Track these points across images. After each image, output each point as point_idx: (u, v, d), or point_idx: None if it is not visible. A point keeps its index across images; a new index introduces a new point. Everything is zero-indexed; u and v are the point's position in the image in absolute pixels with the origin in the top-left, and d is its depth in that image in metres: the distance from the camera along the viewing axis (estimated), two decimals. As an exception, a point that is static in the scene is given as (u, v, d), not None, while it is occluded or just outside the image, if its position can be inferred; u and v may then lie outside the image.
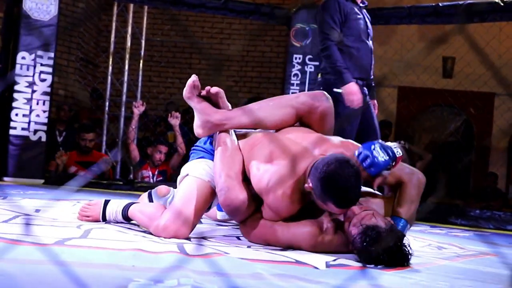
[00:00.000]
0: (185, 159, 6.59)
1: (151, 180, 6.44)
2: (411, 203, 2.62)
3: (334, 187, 2.38)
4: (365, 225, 2.38)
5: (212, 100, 2.90)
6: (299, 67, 6.12)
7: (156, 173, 6.53)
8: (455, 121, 9.74)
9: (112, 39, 7.57)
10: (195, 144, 3.06)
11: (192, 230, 2.69)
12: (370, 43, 4.49)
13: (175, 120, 6.41)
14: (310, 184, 2.46)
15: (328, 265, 2.29)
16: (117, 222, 2.95)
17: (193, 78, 2.88)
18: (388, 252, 2.31)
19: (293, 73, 6.14)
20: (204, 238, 2.76)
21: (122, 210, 2.93)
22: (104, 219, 2.94)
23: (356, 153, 2.54)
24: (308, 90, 6.09)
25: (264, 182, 2.58)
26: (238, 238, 2.90)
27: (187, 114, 7.52)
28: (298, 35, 6.15)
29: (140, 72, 7.74)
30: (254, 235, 2.68)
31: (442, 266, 2.52)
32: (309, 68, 6.10)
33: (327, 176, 2.38)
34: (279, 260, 2.30)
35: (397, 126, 9.39)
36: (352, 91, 4.18)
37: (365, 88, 4.41)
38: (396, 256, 2.33)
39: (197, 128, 2.92)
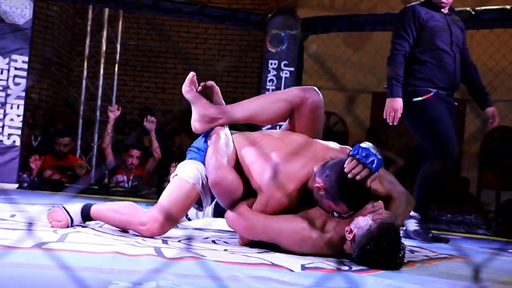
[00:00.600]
0: (161, 163, 6.64)
1: (126, 185, 6.44)
2: (396, 218, 2.67)
3: (352, 189, 2.49)
4: (380, 220, 2.43)
5: (209, 96, 3.02)
6: (275, 72, 6.17)
7: (131, 178, 6.53)
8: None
9: (87, 43, 7.56)
10: (191, 145, 3.10)
11: (170, 228, 2.81)
12: (453, 50, 4.19)
13: (150, 125, 6.41)
14: (322, 184, 2.54)
15: (303, 268, 2.33)
16: (80, 224, 2.97)
17: (192, 73, 3.02)
18: (390, 252, 2.38)
19: (268, 79, 6.18)
20: (181, 241, 2.79)
21: (81, 211, 2.94)
22: (72, 222, 2.94)
23: (354, 151, 2.56)
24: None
25: (266, 176, 2.64)
26: (214, 242, 2.93)
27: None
28: (273, 41, 6.20)
29: (115, 76, 7.74)
30: (240, 225, 2.71)
31: (413, 269, 2.57)
32: (285, 74, 6.15)
33: (348, 179, 2.47)
34: (255, 263, 2.34)
35: (370, 132, 9.49)
36: (394, 107, 3.96)
37: (450, 98, 4.19)
38: (393, 258, 2.41)
39: (194, 122, 2.99)
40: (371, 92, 9.56)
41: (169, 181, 6.40)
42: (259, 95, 3.02)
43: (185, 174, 2.90)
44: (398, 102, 3.96)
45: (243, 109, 2.95)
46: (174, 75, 9.97)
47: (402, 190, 2.79)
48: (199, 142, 3.04)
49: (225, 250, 2.66)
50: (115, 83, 7.71)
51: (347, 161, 2.52)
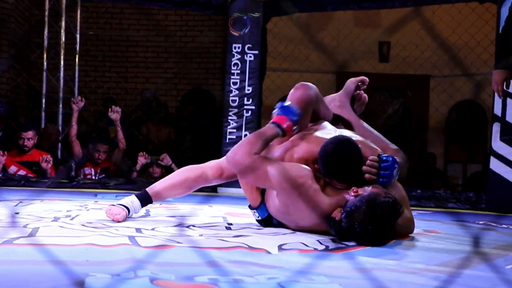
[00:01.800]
0: (127, 153, 6.56)
1: (94, 177, 6.35)
2: None
3: (333, 164, 2.60)
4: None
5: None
6: (239, 56, 6.11)
7: (98, 171, 6.43)
8: (393, 104, 9.92)
9: (46, 34, 7.40)
10: None
11: (221, 176, 3.12)
12: None
13: (115, 115, 6.31)
14: (316, 165, 2.67)
15: (280, 249, 2.31)
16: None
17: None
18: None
19: (233, 63, 6.12)
20: (154, 229, 2.74)
21: (137, 197, 3.05)
22: (129, 211, 3.02)
23: (384, 158, 2.62)
24: (248, 79, 6.10)
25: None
26: (188, 227, 2.90)
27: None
28: (236, 24, 6.14)
29: (77, 68, 7.60)
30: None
31: (389, 245, 2.57)
32: (249, 57, 6.10)
33: (327, 155, 2.61)
34: (231, 246, 2.31)
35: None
36: (494, 79, 3.90)
37: None
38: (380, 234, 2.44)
39: (338, 95, 3.28)
40: (335, 72, 9.57)
41: (137, 171, 6.33)
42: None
43: None
44: (495, 74, 3.91)
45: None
46: (136, 64, 9.84)
47: (396, 147, 2.95)
48: None
49: (200, 235, 2.63)
50: (77, 74, 7.57)
51: (371, 159, 2.58)
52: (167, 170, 6.35)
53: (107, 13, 9.52)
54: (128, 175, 6.21)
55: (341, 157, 2.60)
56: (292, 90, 2.94)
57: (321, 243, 2.49)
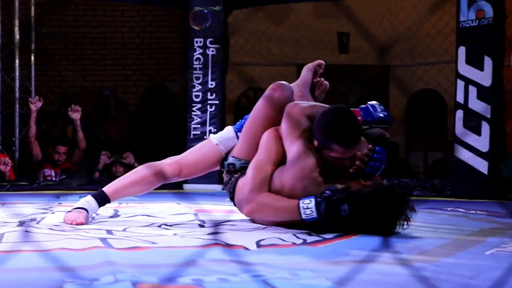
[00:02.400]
0: (87, 153, 6.43)
1: (54, 178, 6.20)
2: None
3: (335, 125, 2.55)
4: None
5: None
6: (201, 50, 6.04)
7: (58, 172, 6.29)
8: (354, 95, 9.96)
9: (-1, 33, 7.20)
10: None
11: (179, 173, 3.02)
12: None
13: (75, 114, 6.18)
14: (316, 142, 2.60)
15: (258, 245, 2.26)
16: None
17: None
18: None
19: (195, 57, 6.05)
20: (126, 230, 2.67)
21: (94, 198, 2.96)
22: (88, 212, 2.93)
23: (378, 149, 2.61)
24: (211, 74, 6.03)
25: None
26: (160, 226, 2.83)
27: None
28: (197, 19, 6.06)
29: (33, 67, 7.42)
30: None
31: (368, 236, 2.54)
32: (211, 51, 6.03)
33: (327, 118, 2.58)
34: (209, 244, 2.25)
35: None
36: None
37: None
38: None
39: (297, 84, 3.18)
40: (296, 64, 9.55)
41: (99, 171, 6.22)
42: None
43: (214, 136, 3.06)
44: None
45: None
46: (94, 61, 9.66)
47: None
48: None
49: (174, 234, 2.57)
50: (33, 74, 7.39)
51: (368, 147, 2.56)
52: (131, 169, 6.25)
53: (62, 10, 9.32)
54: (90, 175, 6.09)
55: (342, 117, 2.58)
56: (268, 92, 2.86)
57: (297, 237, 2.46)
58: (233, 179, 2.90)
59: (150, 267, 1.79)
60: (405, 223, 2.47)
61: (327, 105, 2.75)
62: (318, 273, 1.72)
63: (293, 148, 2.60)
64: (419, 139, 10.22)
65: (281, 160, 2.69)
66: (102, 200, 3.00)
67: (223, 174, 3.00)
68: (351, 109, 2.72)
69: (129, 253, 2.07)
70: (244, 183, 2.73)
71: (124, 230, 2.68)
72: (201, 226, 2.88)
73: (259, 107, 2.91)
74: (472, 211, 3.78)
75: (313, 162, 2.58)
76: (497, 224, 3.04)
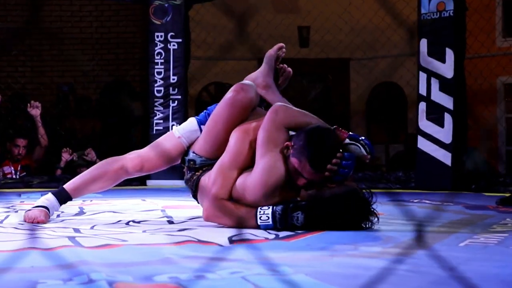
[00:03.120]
0: (49, 150, 6.30)
1: (14, 176, 6.06)
2: None
3: (321, 144, 2.46)
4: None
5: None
6: (162, 45, 5.96)
7: (19, 169, 6.14)
8: (316, 88, 9.98)
9: (-46, 29, 7.02)
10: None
11: (141, 169, 2.94)
12: None
13: (35, 110, 6.04)
14: (291, 143, 2.53)
15: (231, 241, 2.23)
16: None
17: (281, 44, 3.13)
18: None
19: (156, 52, 5.96)
20: (94, 228, 2.61)
21: (54, 196, 2.89)
22: (49, 210, 2.85)
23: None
24: (173, 68, 5.96)
25: None
26: (128, 224, 2.78)
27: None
28: (157, 13, 5.98)
29: (-10, 63, 7.25)
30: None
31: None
32: (172, 46, 5.96)
33: (321, 134, 2.50)
34: (180, 241, 2.21)
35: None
36: None
37: None
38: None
39: (260, 73, 3.06)
40: (257, 58, 9.52)
41: (61, 169, 6.09)
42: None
43: (177, 128, 2.99)
44: None
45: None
46: (51, 57, 9.48)
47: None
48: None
49: (144, 231, 2.52)
50: (-10, 70, 7.22)
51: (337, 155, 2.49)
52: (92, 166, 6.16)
53: (18, 5, 9.12)
54: (52, 173, 5.97)
55: (324, 141, 2.49)
56: (231, 94, 2.78)
57: (269, 232, 2.43)
58: (194, 177, 2.83)
59: (123, 266, 1.75)
60: (368, 224, 2.46)
61: (313, 117, 2.69)
62: (296, 268, 1.69)
63: (263, 160, 2.52)
64: (380, 132, 10.31)
65: (248, 163, 2.61)
66: (63, 197, 2.92)
67: (184, 169, 2.94)
68: (340, 129, 2.66)
69: (100, 251, 2.01)
70: (206, 185, 2.67)
71: (91, 228, 2.62)
72: (170, 222, 2.84)
73: (222, 109, 2.81)
74: (437, 202, 3.81)
75: (278, 178, 2.51)
76: (466, 215, 3.06)
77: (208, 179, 2.67)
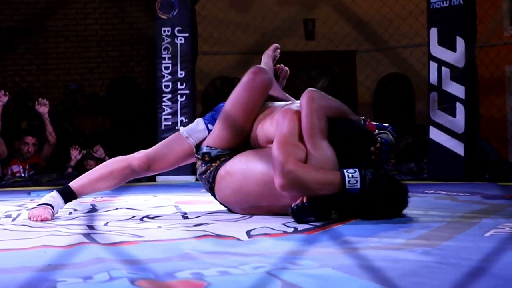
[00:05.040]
0: (58, 148, 6.26)
1: (23, 174, 6.03)
2: None
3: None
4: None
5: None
6: (169, 40, 5.90)
7: (27, 167, 6.11)
8: (322, 81, 9.91)
9: (-41, 28, 6.98)
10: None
11: (148, 169, 2.92)
12: None
13: (43, 108, 6.00)
14: None
15: (250, 235, 2.18)
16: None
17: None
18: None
19: (163, 47, 5.91)
20: (107, 224, 2.57)
21: (59, 194, 2.85)
22: (53, 208, 2.81)
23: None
24: (180, 63, 5.91)
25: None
26: (142, 220, 2.73)
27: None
28: (164, 7, 5.92)
29: (-4, 61, 7.21)
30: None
31: (358, 221, 2.48)
32: (180, 40, 5.90)
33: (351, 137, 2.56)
34: (198, 236, 2.17)
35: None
36: None
37: None
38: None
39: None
40: (260, 52, 9.45)
41: (72, 167, 6.04)
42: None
43: (185, 128, 2.95)
44: None
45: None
46: (57, 55, 9.45)
47: None
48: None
49: (159, 227, 2.48)
50: (-4, 68, 7.18)
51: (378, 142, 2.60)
52: (101, 162, 6.12)
53: (23, 3, 9.08)
54: (62, 170, 5.94)
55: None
56: (249, 76, 2.76)
57: (287, 225, 2.39)
58: (212, 168, 2.80)
59: (143, 263, 1.70)
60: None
61: (338, 101, 2.69)
62: (320, 262, 1.64)
63: (318, 152, 2.49)
64: (388, 123, 10.24)
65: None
66: (68, 195, 2.89)
67: (197, 165, 2.89)
68: (369, 121, 2.76)
69: (117, 248, 1.97)
70: (274, 157, 2.49)
71: (105, 224, 2.58)
72: (185, 217, 2.79)
73: (240, 93, 2.79)
74: (453, 193, 3.75)
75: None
76: (485, 205, 3.00)
77: (273, 154, 2.50)
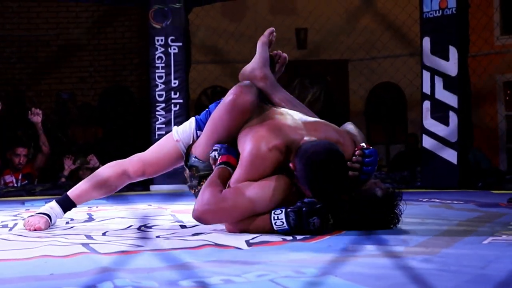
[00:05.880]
0: (51, 157, 6.24)
1: (16, 184, 6.00)
2: None
3: (316, 179, 2.31)
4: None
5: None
6: (162, 49, 5.92)
7: (20, 177, 6.09)
8: (315, 91, 9.94)
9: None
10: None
11: (143, 173, 2.88)
12: None
13: (36, 117, 5.99)
14: (295, 164, 2.38)
15: (249, 244, 2.19)
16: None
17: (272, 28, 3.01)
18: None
19: (157, 56, 5.93)
20: (105, 234, 2.57)
21: (57, 203, 2.85)
22: (50, 218, 2.81)
23: (368, 152, 2.45)
24: (174, 72, 5.92)
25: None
26: (139, 229, 2.74)
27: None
28: (157, 17, 5.94)
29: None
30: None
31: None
32: (173, 50, 5.92)
33: (313, 166, 2.31)
34: (198, 246, 2.17)
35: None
36: None
37: None
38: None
39: (256, 64, 2.88)
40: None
41: (65, 177, 6.02)
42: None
43: (175, 130, 2.89)
44: None
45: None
46: (49, 64, 9.43)
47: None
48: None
49: (157, 236, 2.48)
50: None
51: (357, 156, 2.42)
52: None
53: (14, 12, 9.07)
54: (55, 180, 5.92)
55: (329, 181, 2.33)
56: (231, 97, 2.63)
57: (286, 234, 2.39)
58: (199, 187, 2.69)
59: (145, 271, 1.70)
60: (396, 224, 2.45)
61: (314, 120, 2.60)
62: (322, 269, 1.65)
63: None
64: (380, 132, 10.30)
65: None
66: (67, 205, 2.88)
67: (186, 174, 2.82)
68: None
69: (118, 257, 1.97)
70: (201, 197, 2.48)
71: (103, 234, 2.58)
72: (183, 227, 2.79)
73: (222, 113, 2.67)
74: (448, 201, 3.77)
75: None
76: (480, 213, 3.02)
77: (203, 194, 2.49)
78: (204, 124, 2.84)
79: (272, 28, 2.99)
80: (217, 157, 2.59)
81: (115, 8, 9.29)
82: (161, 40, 5.94)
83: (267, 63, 2.92)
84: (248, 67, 2.91)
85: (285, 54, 3.05)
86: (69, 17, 9.60)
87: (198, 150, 2.77)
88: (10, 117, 7.35)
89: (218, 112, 2.70)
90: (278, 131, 2.50)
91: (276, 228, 2.37)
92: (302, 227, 2.33)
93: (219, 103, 2.80)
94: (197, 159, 2.74)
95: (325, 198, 2.35)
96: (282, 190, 2.41)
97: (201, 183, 2.69)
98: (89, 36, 9.62)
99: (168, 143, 2.91)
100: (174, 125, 5.86)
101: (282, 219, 2.36)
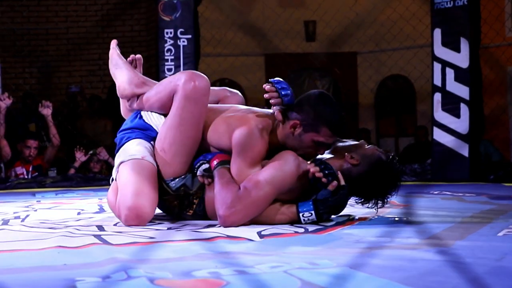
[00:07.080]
0: (61, 150, 6.25)
1: (26, 176, 6.02)
2: None
3: (330, 107, 2.45)
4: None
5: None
6: (172, 42, 5.90)
7: (30, 169, 6.10)
8: (323, 83, 9.92)
9: (-39, 31, 6.97)
10: (120, 129, 2.82)
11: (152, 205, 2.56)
12: None
13: (46, 110, 6.00)
14: (298, 118, 2.45)
15: (261, 236, 2.18)
16: None
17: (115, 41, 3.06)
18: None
19: (166, 49, 5.91)
20: (117, 225, 2.56)
21: None
22: None
23: (274, 80, 2.54)
24: (183, 65, 5.91)
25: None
26: (150, 221, 2.72)
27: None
28: (166, 9, 5.92)
29: (-1, 64, 7.20)
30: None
31: (368, 221, 2.48)
32: (182, 42, 5.90)
33: (324, 98, 2.48)
34: (210, 237, 2.16)
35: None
36: None
37: None
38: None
39: (123, 84, 2.85)
40: (264, 54, 9.48)
41: (75, 168, 6.01)
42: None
43: (129, 155, 2.62)
44: None
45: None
46: (58, 57, 9.45)
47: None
48: (131, 122, 2.79)
49: (169, 228, 2.47)
50: (-1, 71, 7.17)
51: (267, 87, 2.51)
52: (106, 164, 6.12)
53: (23, 6, 9.07)
54: (65, 172, 5.94)
55: (335, 103, 2.51)
56: (188, 85, 2.53)
57: (297, 226, 2.38)
58: (196, 201, 2.61)
59: (158, 262, 1.70)
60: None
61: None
62: (337, 261, 1.64)
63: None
64: (390, 125, 10.26)
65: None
66: None
67: (173, 204, 2.66)
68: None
69: (130, 248, 1.96)
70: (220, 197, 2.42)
71: (115, 225, 2.57)
72: (194, 219, 2.78)
73: (183, 107, 2.54)
74: (459, 193, 3.75)
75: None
76: (493, 206, 3.00)
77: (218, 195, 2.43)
78: (149, 135, 2.70)
79: (114, 40, 3.06)
80: (206, 166, 2.54)
81: (124, 1, 9.31)
82: (170, 33, 5.91)
83: (134, 69, 2.94)
84: (123, 83, 2.86)
85: (139, 55, 3.04)
86: (78, 11, 9.61)
87: (169, 171, 2.60)
88: (21, 110, 7.37)
89: (176, 111, 2.57)
90: (244, 115, 2.56)
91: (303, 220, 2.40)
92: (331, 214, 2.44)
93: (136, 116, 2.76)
94: (174, 179, 2.61)
95: (340, 130, 2.48)
96: (292, 162, 2.43)
97: (194, 200, 2.61)
98: (98, 29, 9.63)
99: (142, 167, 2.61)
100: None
101: (313, 218, 2.38)
